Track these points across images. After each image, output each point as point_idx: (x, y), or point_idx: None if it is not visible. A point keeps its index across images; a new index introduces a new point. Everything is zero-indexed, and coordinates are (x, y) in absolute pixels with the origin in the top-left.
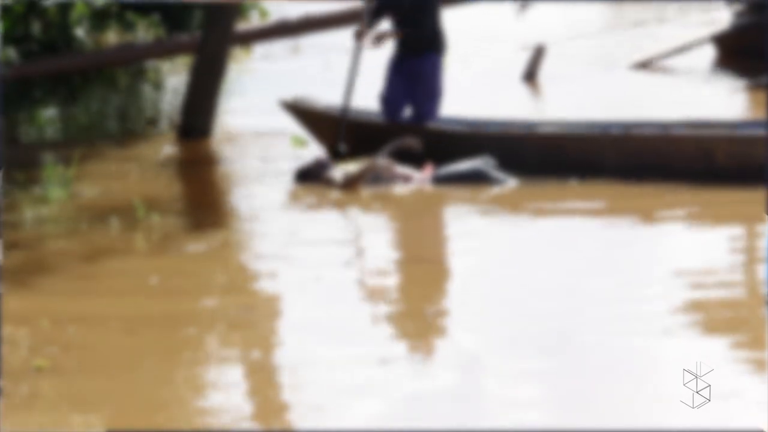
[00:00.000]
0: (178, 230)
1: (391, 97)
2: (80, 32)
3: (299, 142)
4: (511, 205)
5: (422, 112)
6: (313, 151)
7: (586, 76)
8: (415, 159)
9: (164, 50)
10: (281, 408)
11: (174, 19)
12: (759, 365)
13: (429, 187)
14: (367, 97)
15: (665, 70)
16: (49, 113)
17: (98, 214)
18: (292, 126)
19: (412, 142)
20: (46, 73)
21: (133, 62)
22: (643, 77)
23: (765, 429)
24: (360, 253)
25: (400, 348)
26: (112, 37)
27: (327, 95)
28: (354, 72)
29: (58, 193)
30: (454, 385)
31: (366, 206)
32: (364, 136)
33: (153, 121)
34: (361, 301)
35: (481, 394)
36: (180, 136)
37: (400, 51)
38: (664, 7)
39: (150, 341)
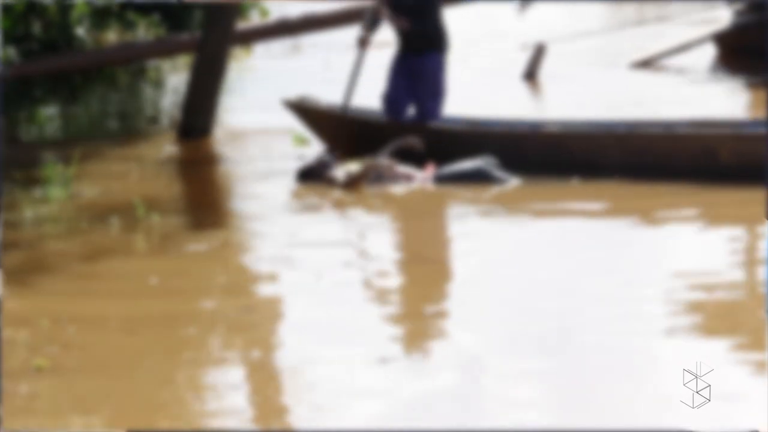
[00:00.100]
0: (178, 230)
1: (394, 97)
2: (81, 31)
3: (301, 141)
4: (512, 204)
5: (425, 112)
6: (315, 150)
7: (587, 75)
8: (416, 158)
9: (165, 49)
10: (281, 408)
11: (174, 18)
12: (759, 367)
13: (431, 187)
14: (370, 97)
15: (666, 69)
16: (49, 112)
17: (98, 214)
18: (293, 125)
19: (414, 141)
20: (46, 72)
21: (133, 61)
22: (644, 76)
23: (761, 430)
24: (361, 253)
25: (401, 348)
26: (112, 36)
27: (328, 94)
28: (355, 78)
29: (58, 193)
30: (455, 385)
31: (368, 205)
32: (366, 135)
33: (153, 119)
34: (362, 301)
35: (481, 394)
36: (180, 136)
37: (403, 50)
38: (664, 5)
39: (150, 341)
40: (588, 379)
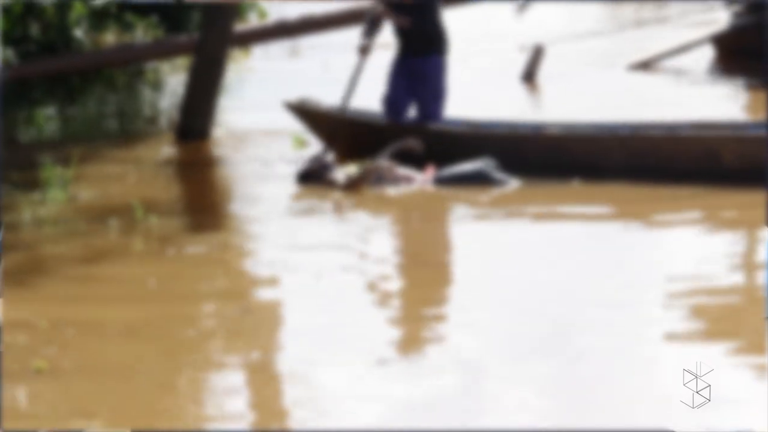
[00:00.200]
0: (177, 232)
1: (394, 99)
2: (79, 33)
3: (300, 143)
4: (512, 206)
5: (427, 113)
6: (315, 151)
7: (585, 77)
8: (416, 160)
9: (163, 51)
10: (281, 411)
11: (172, 20)
12: (758, 370)
13: (431, 189)
14: (370, 99)
15: (664, 71)
16: (47, 113)
17: (97, 216)
18: (292, 127)
19: (413, 143)
20: (44, 73)
21: (131, 63)
22: (642, 77)
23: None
24: (361, 255)
25: (400, 350)
26: (110, 37)
27: (327, 96)
28: (354, 84)
29: (57, 195)
30: (454, 388)
31: (368, 207)
32: (367, 137)
33: (152, 121)
34: (362, 303)
35: (480, 396)
36: (178, 137)
37: (403, 52)
38: (663, 7)
39: (149, 343)
40: (587, 381)
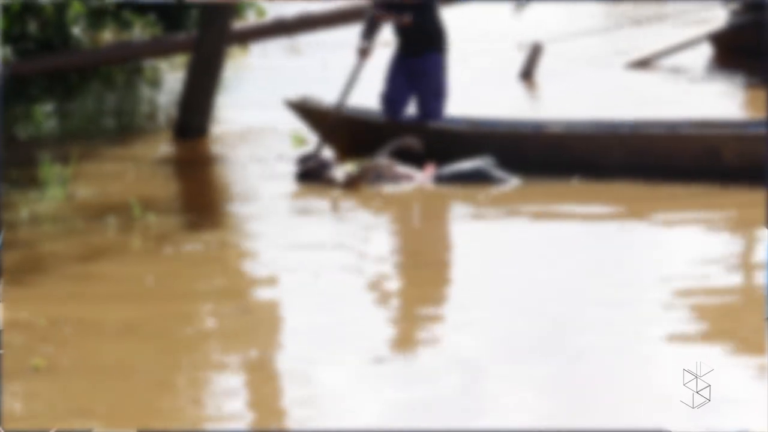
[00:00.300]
0: (175, 230)
1: (393, 96)
2: (77, 31)
3: (300, 141)
4: (512, 205)
5: (427, 111)
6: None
7: (583, 75)
8: (415, 159)
9: (161, 49)
10: (279, 410)
11: (170, 18)
12: (757, 370)
13: (430, 187)
14: (369, 97)
15: (662, 69)
16: (46, 110)
17: (95, 214)
18: (291, 125)
19: (412, 142)
20: (42, 71)
21: (129, 60)
22: (640, 76)
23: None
24: (360, 254)
25: (399, 350)
26: (108, 35)
27: (326, 94)
28: (351, 86)
29: (56, 193)
30: (453, 387)
31: (367, 206)
32: (366, 135)
33: (150, 119)
34: (360, 302)
35: (479, 395)
36: (177, 135)
37: (402, 50)
38: (660, 5)
39: (147, 342)
40: (586, 381)
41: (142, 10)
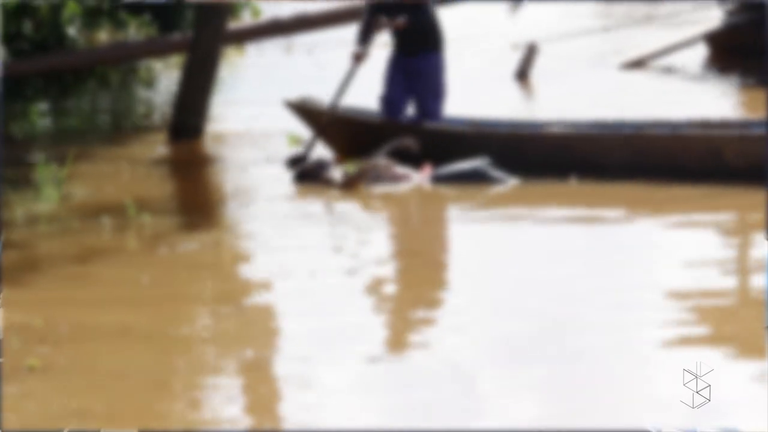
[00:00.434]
0: (170, 231)
1: (391, 97)
2: (72, 31)
3: (296, 141)
4: (509, 205)
5: (426, 111)
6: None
7: (579, 75)
8: (412, 159)
9: (156, 49)
10: (275, 409)
11: (166, 18)
12: (755, 372)
13: (428, 187)
14: (368, 97)
15: (657, 69)
16: (40, 111)
17: (90, 214)
18: (286, 125)
19: (410, 142)
20: (38, 71)
21: (125, 61)
22: (635, 76)
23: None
24: (357, 255)
25: (396, 351)
26: (103, 35)
27: (322, 94)
28: (344, 89)
29: (51, 193)
30: (451, 388)
31: (365, 206)
32: (363, 135)
33: (145, 118)
34: (357, 303)
35: (478, 396)
36: (172, 136)
37: (399, 51)
38: (656, 5)
39: (143, 342)
40: (584, 382)
41: (137, 10)
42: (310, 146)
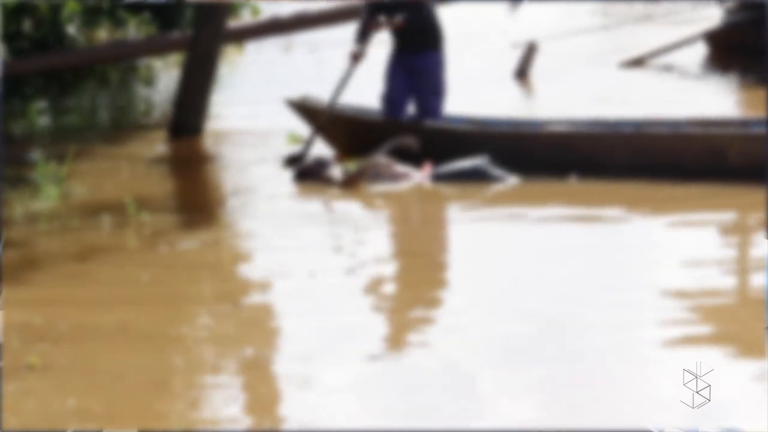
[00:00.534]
0: (169, 229)
1: (392, 96)
2: (72, 29)
3: (295, 140)
4: (510, 204)
5: (427, 110)
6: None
7: (578, 74)
8: (413, 158)
9: (156, 47)
10: (274, 409)
11: (165, 16)
12: (755, 372)
13: (428, 186)
14: (369, 96)
15: (657, 68)
16: (40, 110)
17: (89, 213)
18: (286, 124)
19: (410, 141)
20: (37, 70)
21: (124, 59)
22: (635, 75)
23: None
24: (357, 254)
25: (395, 350)
26: (103, 34)
27: (321, 92)
28: (341, 88)
29: (51, 191)
30: (449, 388)
31: (365, 204)
32: (364, 134)
33: (145, 116)
34: (356, 302)
35: (477, 396)
36: (171, 134)
37: (399, 49)
38: (655, 4)
39: (142, 341)
40: (583, 382)
41: (137, 8)
42: (307, 145)
